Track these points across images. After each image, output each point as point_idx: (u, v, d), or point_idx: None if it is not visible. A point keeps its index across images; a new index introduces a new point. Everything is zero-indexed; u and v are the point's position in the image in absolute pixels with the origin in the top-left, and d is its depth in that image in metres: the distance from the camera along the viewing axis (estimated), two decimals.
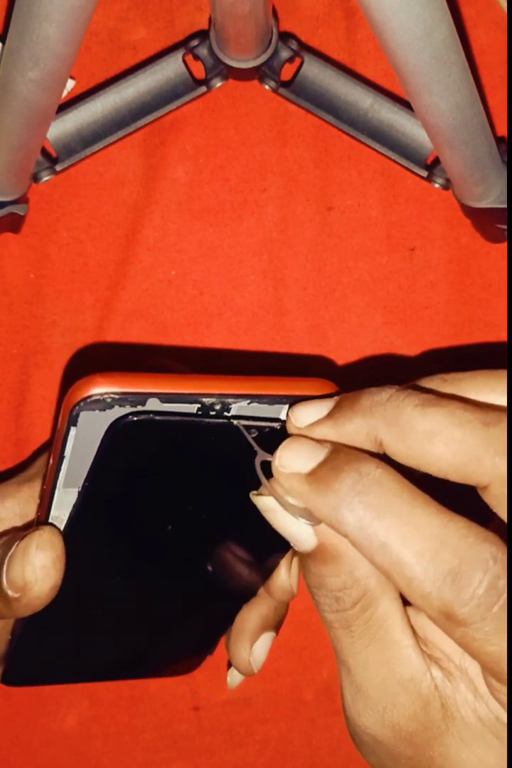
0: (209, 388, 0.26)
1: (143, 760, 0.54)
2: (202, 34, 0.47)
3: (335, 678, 0.54)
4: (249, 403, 0.27)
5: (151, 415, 0.25)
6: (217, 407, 0.27)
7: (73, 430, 0.26)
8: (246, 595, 0.37)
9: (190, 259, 0.51)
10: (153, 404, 0.26)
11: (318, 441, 0.25)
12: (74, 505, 0.28)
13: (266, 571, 0.36)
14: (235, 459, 0.28)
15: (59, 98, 0.40)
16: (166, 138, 0.51)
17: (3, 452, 0.51)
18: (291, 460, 0.25)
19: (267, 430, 0.27)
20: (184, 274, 0.51)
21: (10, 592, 0.28)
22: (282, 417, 0.28)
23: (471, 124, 0.40)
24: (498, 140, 0.44)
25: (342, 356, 0.51)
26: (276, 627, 0.38)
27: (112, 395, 0.25)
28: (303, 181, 0.51)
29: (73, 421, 0.26)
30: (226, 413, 0.27)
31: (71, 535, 0.29)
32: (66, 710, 0.53)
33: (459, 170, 0.44)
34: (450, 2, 0.34)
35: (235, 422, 0.27)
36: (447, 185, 0.48)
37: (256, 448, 0.26)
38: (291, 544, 0.26)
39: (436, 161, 0.47)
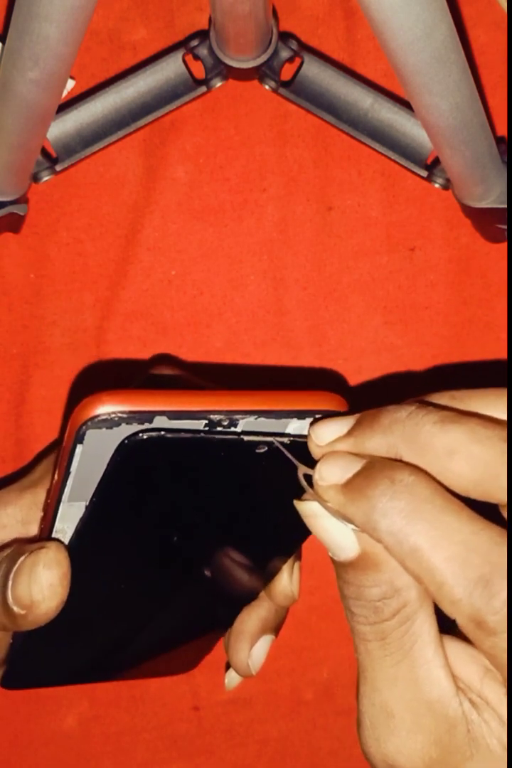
0: (217, 404, 0.26)
1: (143, 760, 0.54)
2: (202, 34, 0.47)
3: (335, 678, 0.54)
4: (256, 418, 0.27)
5: (162, 434, 0.25)
6: (225, 423, 0.26)
7: (79, 448, 0.26)
8: (247, 598, 0.37)
9: (190, 259, 0.51)
10: (160, 422, 0.25)
11: (357, 455, 0.25)
12: (80, 519, 0.28)
13: (268, 576, 0.36)
14: (242, 473, 0.28)
15: (59, 98, 0.40)
16: (166, 138, 0.51)
17: (3, 452, 0.51)
18: (330, 472, 0.25)
19: (275, 445, 0.27)
20: (184, 274, 0.51)
21: (15, 609, 0.28)
22: (290, 431, 0.28)
23: (471, 124, 0.40)
24: (498, 140, 0.44)
25: (342, 356, 0.51)
26: (276, 630, 0.38)
27: (120, 414, 0.25)
28: (303, 181, 0.51)
29: (79, 439, 0.25)
30: (233, 428, 0.27)
31: (76, 548, 0.29)
32: (66, 710, 0.53)
33: (459, 170, 0.44)
34: (450, 2, 0.34)
35: (275, 441, 0.27)
36: (447, 185, 0.48)
37: (297, 462, 0.26)
38: (331, 553, 0.26)
39: (436, 161, 0.47)
